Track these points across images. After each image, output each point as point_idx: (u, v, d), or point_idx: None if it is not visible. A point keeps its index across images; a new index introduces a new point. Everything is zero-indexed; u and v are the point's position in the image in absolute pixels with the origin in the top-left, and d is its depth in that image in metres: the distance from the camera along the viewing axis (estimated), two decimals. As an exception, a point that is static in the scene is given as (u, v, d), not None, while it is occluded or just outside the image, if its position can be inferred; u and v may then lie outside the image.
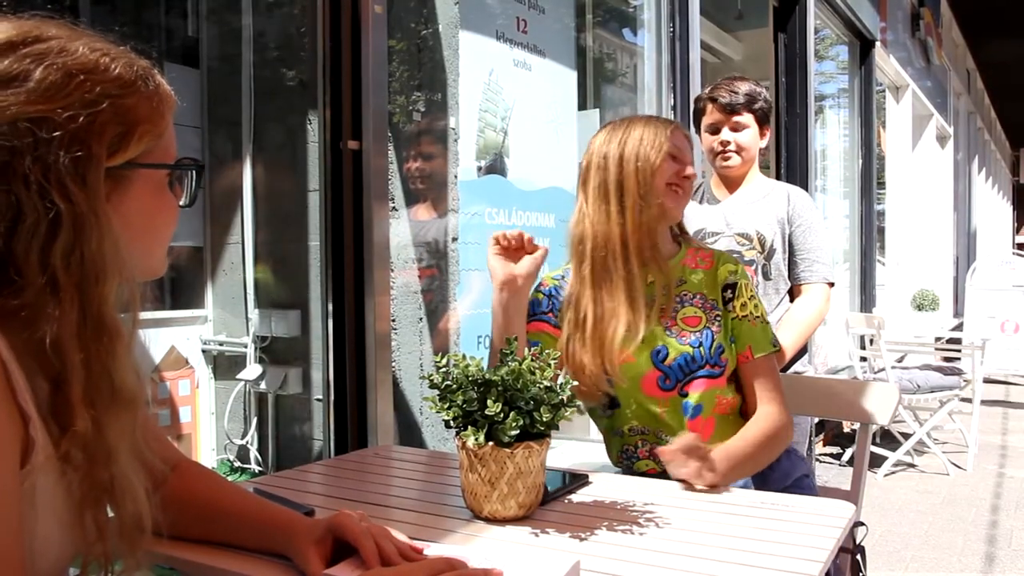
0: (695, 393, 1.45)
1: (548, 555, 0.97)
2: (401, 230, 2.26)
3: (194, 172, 0.85)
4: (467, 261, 2.52)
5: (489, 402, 1.04)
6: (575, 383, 1.11)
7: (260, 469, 2.74)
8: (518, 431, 1.04)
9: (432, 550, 0.92)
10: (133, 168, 0.77)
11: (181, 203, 0.85)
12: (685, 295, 1.51)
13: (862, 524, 1.36)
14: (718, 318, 1.49)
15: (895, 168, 7.86)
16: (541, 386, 1.06)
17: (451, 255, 2.40)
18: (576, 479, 1.27)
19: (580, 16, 3.49)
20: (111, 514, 0.76)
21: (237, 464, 2.82)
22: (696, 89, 3.56)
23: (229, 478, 2.71)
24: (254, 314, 2.78)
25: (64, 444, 0.69)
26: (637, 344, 1.45)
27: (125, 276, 0.72)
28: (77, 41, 0.74)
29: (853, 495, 1.53)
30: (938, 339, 6.22)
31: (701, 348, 1.46)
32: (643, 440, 1.49)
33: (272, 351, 2.74)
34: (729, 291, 1.51)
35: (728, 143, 2.27)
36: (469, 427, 1.07)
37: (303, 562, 0.87)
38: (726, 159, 2.29)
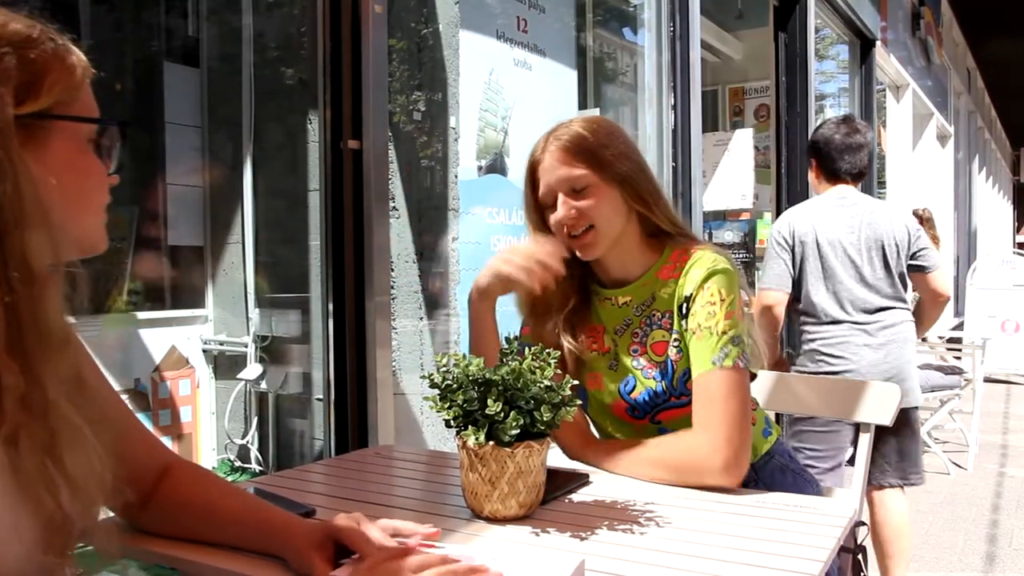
0: (669, 421, 1.36)
1: (554, 554, 0.97)
2: (401, 230, 2.26)
3: (117, 133, 0.83)
4: (467, 260, 2.52)
5: (489, 401, 1.04)
6: (575, 382, 1.11)
7: (260, 469, 2.75)
8: (519, 430, 1.04)
9: (443, 550, 0.92)
10: (46, 119, 0.76)
11: (110, 171, 0.84)
12: (655, 315, 1.35)
13: (863, 524, 1.35)
14: (677, 341, 1.33)
15: (896, 167, 7.86)
16: (541, 385, 1.06)
17: (451, 255, 2.40)
18: (576, 479, 1.26)
19: (580, 15, 3.50)
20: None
21: (238, 464, 2.82)
22: (696, 88, 3.56)
23: (229, 478, 2.72)
24: (254, 314, 2.78)
25: (3, 416, 0.66)
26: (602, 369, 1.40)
27: (49, 225, 0.70)
28: None
29: (854, 495, 1.53)
30: (939, 338, 6.22)
31: (663, 382, 1.34)
32: None
33: (272, 351, 2.74)
34: (686, 305, 1.31)
35: None
36: (469, 426, 1.07)
37: (307, 566, 0.87)
38: None
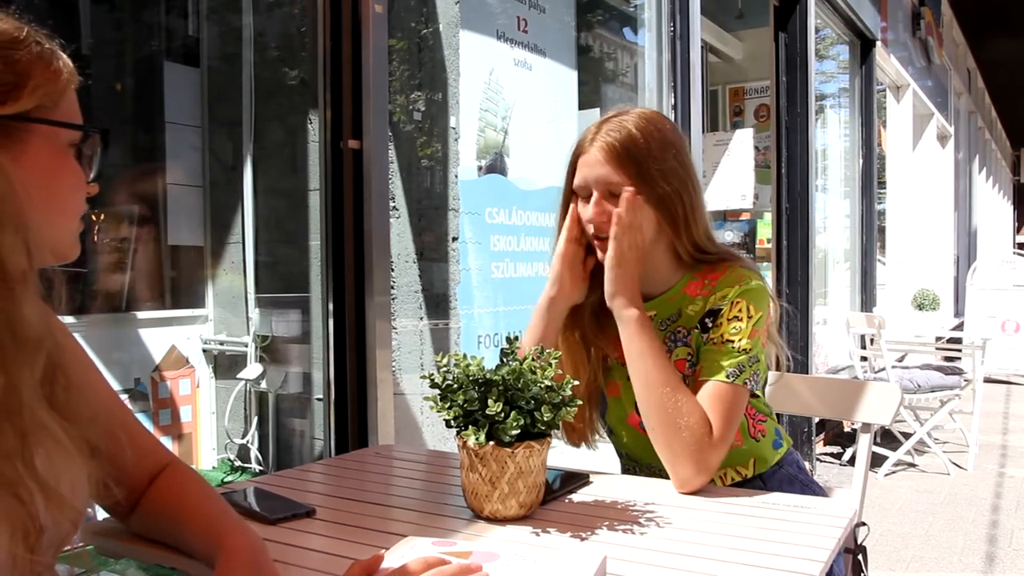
0: None
1: (577, 550, 0.97)
2: (401, 230, 2.26)
3: (99, 140, 0.82)
4: (467, 260, 2.52)
5: (490, 401, 1.04)
6: (576, 382, 1.11)
7: (260, 468, 2.75)
8: (519, 430, 1.04)
9: (466, 546, 0.92)
10: (26, 122, 0.75)
11: (89, 179, 0.83)
12: (680, 332, 1.33)
13: (864, 524, 1.35)
14: (691, 356, 1.31)
15: (896, 167, 7.86)
16: (542, 385, 1.06)
17: (451, 254, 2.40)
18: (577, 479, 1.26)
19: (580, 15, 3.49)
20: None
21: (238, 463, 2.82)
22: (697, 88, 3.56)
23: (229, 478, 2.72)
24: (254, 313, 2.78)
25: None
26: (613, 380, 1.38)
27: (23, 228, 0.69)
28: None
29: (855, 495, 1.53)
30: (939, 339, 6.22)
31: None
32: (638, 467, 1.43)
33: (272, 350, 2.74)
34: (710, 319, 1.28)
35: None
36: (470, 426, 1.07)
37: None
38: None
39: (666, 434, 1.22)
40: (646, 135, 1.27)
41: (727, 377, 1.23)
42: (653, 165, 1.26)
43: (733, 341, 1.25)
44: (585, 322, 1.41)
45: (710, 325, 1.28)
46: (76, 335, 0.93)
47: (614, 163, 1.26)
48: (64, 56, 0.80)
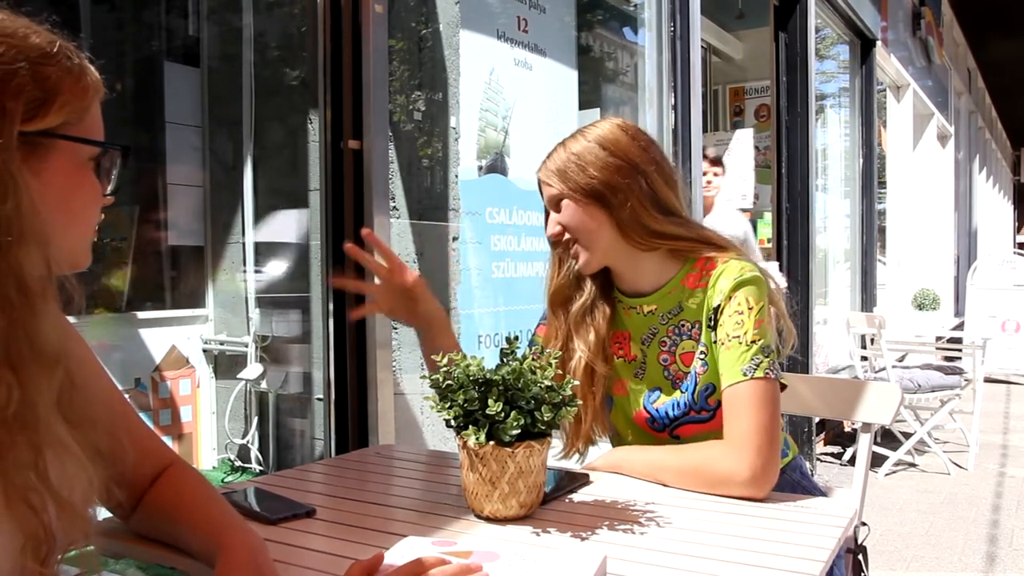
0: (688, 437, 1.34)
1: (578, 550, 0.97)
2: (401, 230, 2.26)
3: (119, 156, 0.82)
4: (467, 261, 2.52)
5: (490, 401, 1.04)
6: (576, 382, 1.11)
7: (261, 468, 2.75)
8: (519, 430, 1.04)
9: (466, 545, 0.92)
10: (51, 138, 0.75)
11: (107, 192, 0.83)
12: (684, 325, 1.34)
13: (864, 524, 1.35)
14: (703, 355, 1.31)
15: (896, 167, 7.86)
16: (542, 385, 1.06)
17: (452, 255, 2.40)
18: (577, 479, 1.26)
19: (581, 15, 3.49)
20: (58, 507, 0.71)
21: (238, 463, 2.82)
22: (697, 88, 3.56)
23: (229, 478, 2.72)
24: (255, 313, 2.78)
25: None
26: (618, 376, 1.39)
27: (45, 241, 0.69)
28: None
29: (855, 495, 1.53)
30: (939, 338, 6.22)
31: (687, 395, 1.32)
32: None
33: (273, 350, 2.75)
34: (714, 316, 1.29)
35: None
36: (470, 426, 1.07)
37: None
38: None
39: (695, 480, 1.22)
40: (568, 146, 1.35)
41: (744, 375, 1.22)
42: (570, 168, 1.32)
43: (739, 336, 1.24)
44: (571, 323, 1.42)
45: (714, 324, 1.29)
46: (76, 335, 0.93)
47: (547, 179, 1.36)
48: (93, 70, 0.79)
